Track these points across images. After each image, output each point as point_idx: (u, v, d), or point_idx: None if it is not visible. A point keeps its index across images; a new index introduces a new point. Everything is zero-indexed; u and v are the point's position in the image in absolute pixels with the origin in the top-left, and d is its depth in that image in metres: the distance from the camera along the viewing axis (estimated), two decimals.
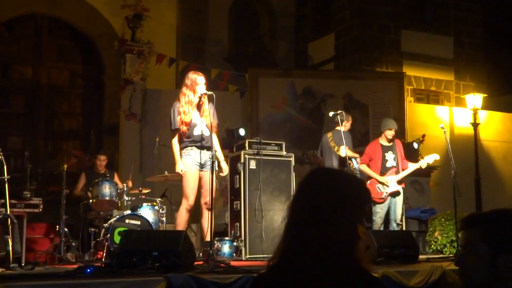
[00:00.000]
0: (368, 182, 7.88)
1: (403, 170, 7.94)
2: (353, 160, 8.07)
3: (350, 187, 1.95)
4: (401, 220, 7.98)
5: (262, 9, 14.47)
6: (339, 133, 7.95)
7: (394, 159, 7.96)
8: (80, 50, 12.10)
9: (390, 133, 7.94)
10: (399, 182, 7.92)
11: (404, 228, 8.10)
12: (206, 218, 6.33)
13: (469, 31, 14.11)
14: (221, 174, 6.79)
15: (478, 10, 14.39)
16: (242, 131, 9.68)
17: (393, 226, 7.88)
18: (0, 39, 11.09)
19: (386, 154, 7.97)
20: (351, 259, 1.85)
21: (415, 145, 10.43)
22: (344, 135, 7.86)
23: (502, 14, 15.87)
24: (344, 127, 8.07)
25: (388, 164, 7.95)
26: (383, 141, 8.03)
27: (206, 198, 6.36)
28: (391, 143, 8.03)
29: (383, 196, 7.85)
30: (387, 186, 7.83)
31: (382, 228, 7.88)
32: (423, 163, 7.91)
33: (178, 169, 6.35)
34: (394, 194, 7.90)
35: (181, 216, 6.45)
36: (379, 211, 7.88)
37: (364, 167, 8.01)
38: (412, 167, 7.96)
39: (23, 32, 11.74)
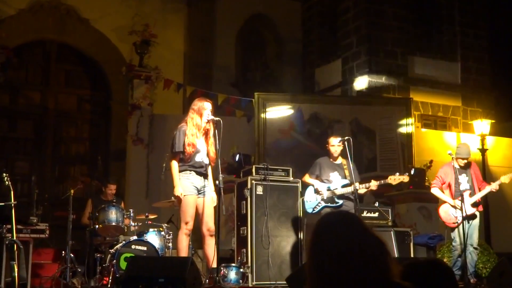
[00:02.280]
0: (440, 208, 7.75)
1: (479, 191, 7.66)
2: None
3: (366, 232, 2.03)
4: (478, 244, 7.72)
5: (269, 35, 14.55)
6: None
7: (468, 182, 7.68)
8: (88, 75, 12.18)
9: (461, 162, 7.70)
10: (475, 205, 7.63)
11: (479, 253, 7.87)
12: (210, 245, 6.27)
13: (476, 56, 14.12)
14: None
15: (484, 36, 14.43)
16: (237, 157, 9.74)
17: (470, 250, 7.57)
18: (9, 65, 11.17)
19: (459, 176, 7.68)
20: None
21: (413, 171, 10.40)
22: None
23: (509, 40, 15.90)
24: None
25: (461, 187, 7.65)
26: (456, 164, 7.74)
27: (208, 225, 6.30)
28: (466, 166, 7.79)
29: (457, 221, 7.60)
30: (459, 209, 7.49)
31: (462, 256, 7.58)
32: (495, 184, 7.61)
33: (178, 192, 6.28)
34: (469, 218, 7.57)
35: (182, 242, 6.37)
36: (457, 236, 7.65)
37: (436, 191, 7.78)
38: (487, 189, 7.65)
39: (32, 58, 11.84)
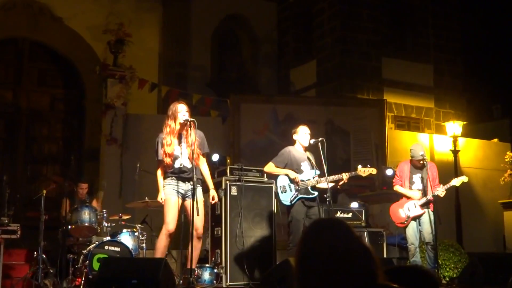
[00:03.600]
0: (391, 207, 7.79)
1: (432, 193, 7.52)
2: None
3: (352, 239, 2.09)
4: (433, 241, 7.49)
5: (244, 35, 14.56)
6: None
7: (421, 182, 7.64)
8: (61, 74, 12.06)
9: (417, 162, 7.66)
10: (425, 205, 7.57)
11: (437, 250, 7.65)
12: (194, 247, 6.23)
13: (448, 59, 14.31)
14: (211, 201, 6.68)
15: (457, 39, 14.62)
16: (215, 157, 9.68)
17: (428, 249, 7.56)
18: None
19: (414, 176, 7.69)
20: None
21: (389, 172, 10.44)
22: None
23: (481, 43, 16.14)
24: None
25: (414, 187, 7.67)
26: (413, 162, 7.75)
27: (196, 226, 6.25)
28: (423, 165, 7.69)
29: (404, 221, 7.63)
30: (408, 210, 7.58)
31: (417, 255, 7.61)
32: (442, 189, 7.50)
33: (159, 197, 6.32)
34: (418, 217, 7.58)
35: (161, 242, 6.36)
36: (409, 237, 7.64)
37: (399, 188, 7.77)
38: (436, 191, 7.50)
39: (4, 56, 11.69)
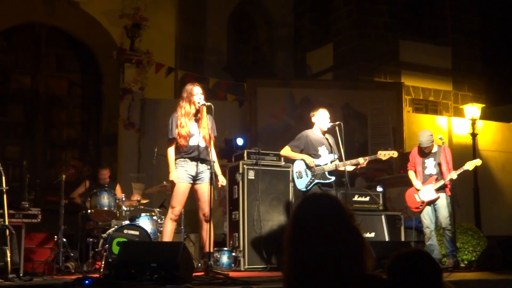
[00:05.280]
0: (407, 192, 7.79)
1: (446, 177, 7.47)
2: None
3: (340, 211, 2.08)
4: (450, 225, 7.46)
5: (260, 19, 14.50)
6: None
7: (435, 166, 7.59)
8: (79, 59, 12.11)
9: (425, 149, 7.66)
10: (440, 189, 7.53)
11: (453, 234, 7.54)
12: (206, 230, 6.25)
13: (467, 41, 14.16)
14: (220, 185, 6.66)
15: (476, 20, 14.44)
16: (240, 141, 9.67)
17: (445, 233, 7.54)
18: None
19: (426, 160, 7.65)
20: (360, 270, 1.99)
21: None
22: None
23: (500, 25, 15.93)
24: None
25: (427, 172, 7.64)
26: (420, 148, 7.73)
27: (204, 210, 6.28)
28: (435, 150, 7.64)
29: (419, 206, 7.64)
30: (423, 194, 7.56)
31: (433, 239, 7.63)
32: (455, 173, 7.43)
33: (172, 177, 6.25)
34: (433, 202, 7.56)
35: (167, 226, 6.35)
36: (424, 221, 7.65)
37: (411, 174, 7.78)
38: (449, 175, 7.42)
39: (21, 42, 11.75)
